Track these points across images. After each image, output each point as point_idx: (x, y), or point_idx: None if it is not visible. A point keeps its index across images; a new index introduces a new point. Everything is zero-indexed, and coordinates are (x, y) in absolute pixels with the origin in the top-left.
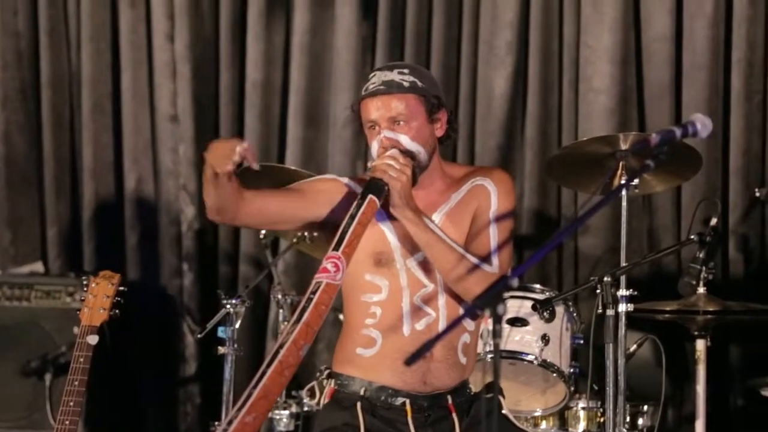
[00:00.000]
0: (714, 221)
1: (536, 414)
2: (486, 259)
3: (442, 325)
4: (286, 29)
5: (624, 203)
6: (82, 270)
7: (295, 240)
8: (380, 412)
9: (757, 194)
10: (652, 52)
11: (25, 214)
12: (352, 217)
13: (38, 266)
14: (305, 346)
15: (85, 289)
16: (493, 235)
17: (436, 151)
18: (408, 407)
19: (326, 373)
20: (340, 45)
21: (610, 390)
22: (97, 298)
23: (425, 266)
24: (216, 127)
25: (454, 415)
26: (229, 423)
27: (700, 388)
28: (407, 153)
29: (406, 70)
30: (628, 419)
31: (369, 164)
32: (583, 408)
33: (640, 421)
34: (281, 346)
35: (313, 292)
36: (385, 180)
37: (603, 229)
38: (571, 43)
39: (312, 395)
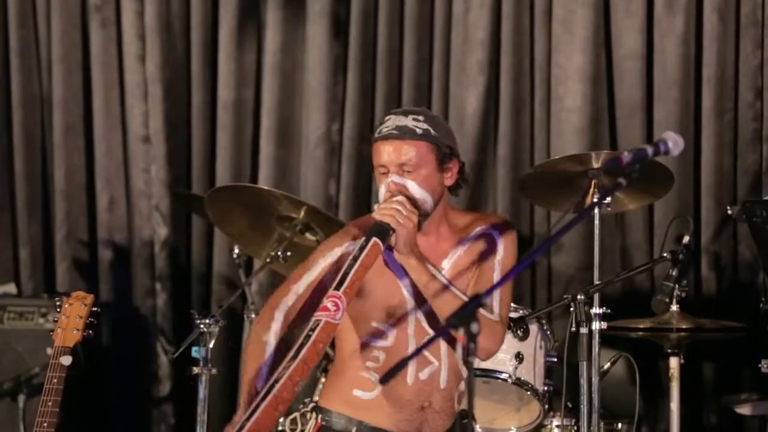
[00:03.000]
0: (686, 239)
1: None
2: (488, 307)
3: (444, 375)
4: (258, 49)
5: (597, 221)
6: (55, 291)
7: (268, 260)
8: None
9: (729, 212)
10: (623, 71)
11: None
12: (355, 259)
13: (11, 287)
14: (300, 383)
15: (58, 310)
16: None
17: (443, 200)
18: None
19: (311, 406)
20: (312, 64)
21: (584, 408)
22: (71, 319)
23: (430, 316)
24: (188, 147)
25: None
26: None
27: (674, 405)
28: (413, 199)
29: (421, 117)
30: None
31: (375, 206)
32: (558, 426)
33: None
34: (277, 381)
35: (312, 330)
36: (392, 225)
37: (576, 248)
38: (543, 63)
39: (294, 427)
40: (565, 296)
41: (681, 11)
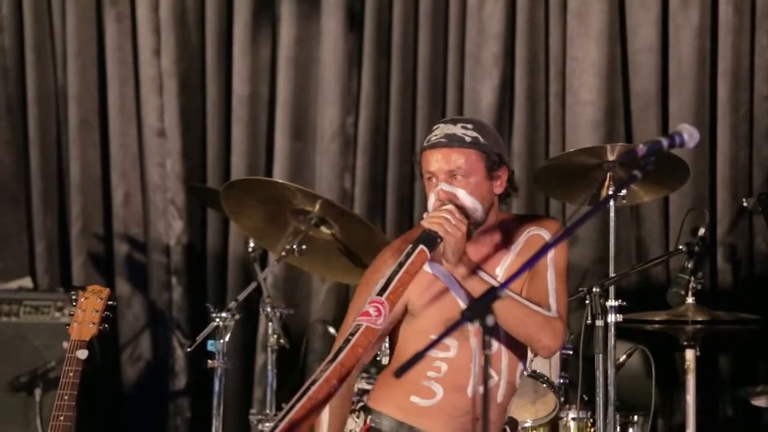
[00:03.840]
0: (702, 231)
1: (527, 425)
2: (545, 304)
3: (502, 389)
4: (273, 42)
5: (612, 214)
6: (71, 285)
7: (283, 253)
8: None
9: (745, 204)
10: (638, 64)
11: (13, 230)
12: (400, 265)
13: (27, 282)
14: (337, 386)
15: (74, 303)
16: (551, 282)
17: (494, 208)
18: None
19: (360, 406)
20: (327, 58)
21: (600, 400)
22: (86, 313)
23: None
24: (203, 141)
25: None
26: None
27: (690, 397)
28: (463, 208)
29: (470, 125)
30: (618, 429)
31: (425, 215)
32: (574, 419)
33: (631, 431)
34: (313, 383)
35: (352, 334)
36: (440, 233)
37: (591, 240)
38: (558, 56)
39: None
40: (580, 289)
41: (696, 4)
